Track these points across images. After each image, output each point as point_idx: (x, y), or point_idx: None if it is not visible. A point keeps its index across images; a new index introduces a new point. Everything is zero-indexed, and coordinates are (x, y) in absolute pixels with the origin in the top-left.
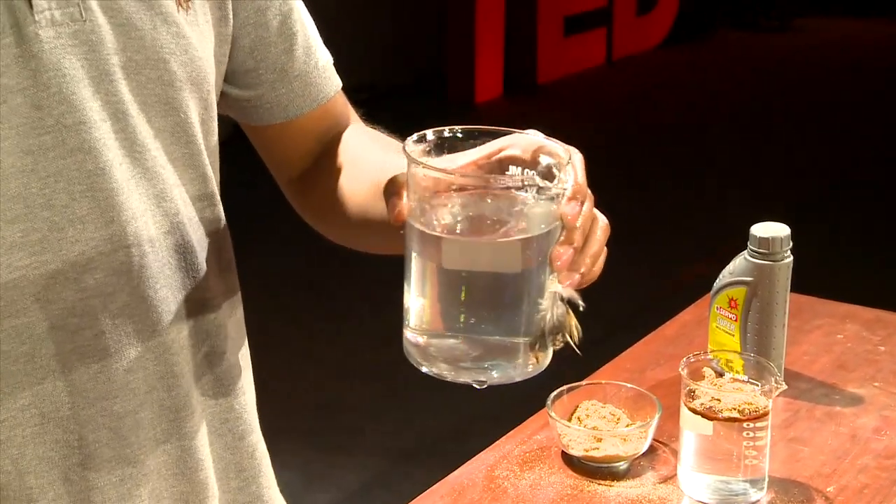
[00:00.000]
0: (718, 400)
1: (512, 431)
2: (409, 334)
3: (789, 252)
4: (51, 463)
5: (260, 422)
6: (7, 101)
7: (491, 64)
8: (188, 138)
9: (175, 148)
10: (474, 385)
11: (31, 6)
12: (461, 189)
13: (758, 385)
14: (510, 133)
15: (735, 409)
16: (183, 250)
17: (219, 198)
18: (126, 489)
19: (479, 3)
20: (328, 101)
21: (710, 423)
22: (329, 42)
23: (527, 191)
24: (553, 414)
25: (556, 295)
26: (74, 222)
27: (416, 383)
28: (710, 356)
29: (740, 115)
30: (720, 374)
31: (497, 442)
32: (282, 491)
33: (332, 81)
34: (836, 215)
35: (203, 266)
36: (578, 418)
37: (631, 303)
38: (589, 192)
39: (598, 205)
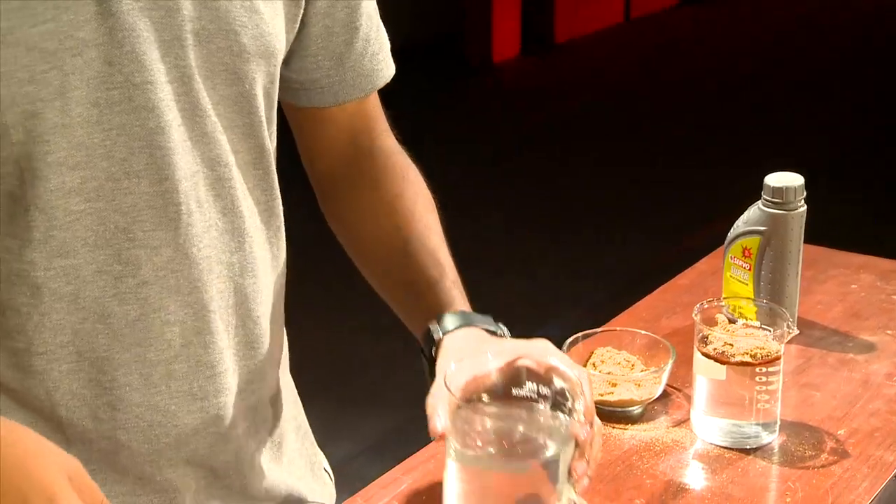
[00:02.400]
0: (731, 345)
1: None
2: None
3: (803, 202)
4: (82, 399)
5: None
6: (82, 54)
7: (508, 23)
8: (250, 109)
9: (236, 117)
10: None
11: None
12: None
13: (770, 330)
14: (525, 345)
15: (747, 353)
16: (231, 214)
17: (274, 167)
18: (154, 434)
19: None
20: (366, 96)
21: (723, 367)
22: None
23: (545, 413)
24: None
25: (570, 501)
26: (130, 175)
27: None
28: (723, 303)
29: (759, 73)
30: (733, 321)
31: None
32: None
33: (383, 73)
34: (855, 168)
35: (250, 232)
36: (594, 364)
37: (648, 261)
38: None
39: (616, 170)
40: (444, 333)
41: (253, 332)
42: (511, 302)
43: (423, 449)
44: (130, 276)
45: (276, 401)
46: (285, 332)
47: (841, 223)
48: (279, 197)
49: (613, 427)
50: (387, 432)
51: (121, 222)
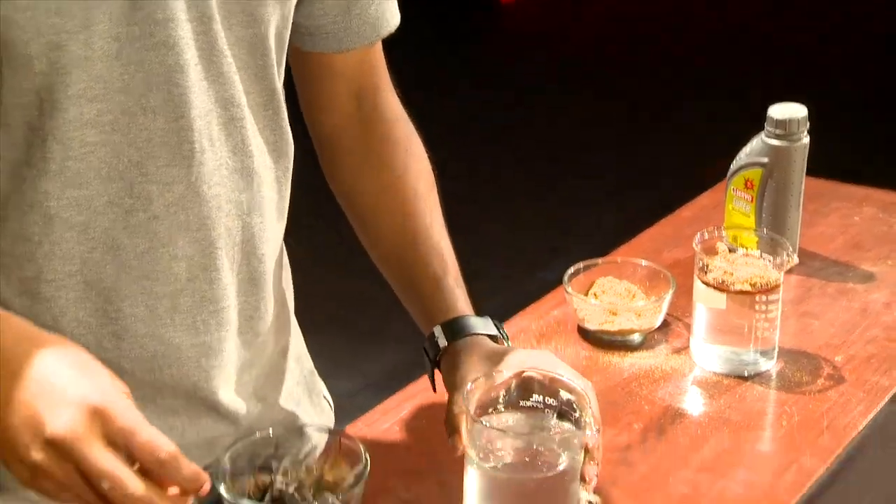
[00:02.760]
0: (731, 274)
1: (529, 307)
2: None
3: (806, 133)
4: (88, 327)
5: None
6: None
7: None
8: (263, 51)
9: (250, 58)
10: None
11: None
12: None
13: (770, 259)
14: (529, 355)
15: (747, 282)
16: (241, 154)
17: (284, 109)
18: (157, 365)
19: None
20: (371, 46)
21: (723, 296)
22: None
23: (555, 424)
24: (569, 289)
25: (584, 500)
26: (147, 111)
27: None
28: (724, 232)
29: (767, 7)
30: (733, 251)
31: (514, 317)
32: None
33: (388, 23)
34: (859, 100)
35: (259, 172)
36: (594, 294)
37: (653, 198)
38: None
39: (620, 106)
40: (448, 343)
41: (257, 269)
42: (515, 241)
43: (424, 377)
44: (141, 210)
45: (277, 335)
46: (289, 270)
47: (844, 156)
48: (289, 139)
49: (613, 355)
50: (388, 369)
51: (135, 157)
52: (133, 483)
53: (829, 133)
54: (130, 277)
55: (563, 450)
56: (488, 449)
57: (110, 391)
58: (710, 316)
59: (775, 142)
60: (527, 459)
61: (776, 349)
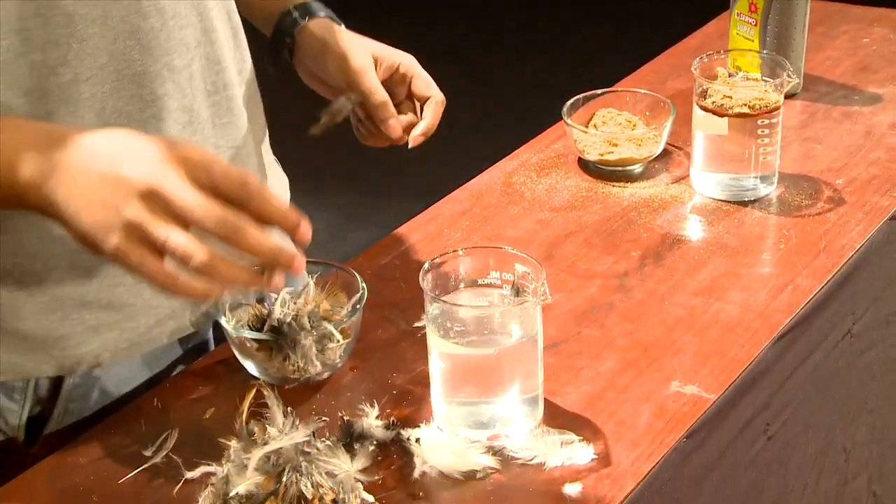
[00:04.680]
0: (730, 97)
1: (530, 141)
2: (440, 407)
3: None
4: (129, 116)
5: (306, 166)
6: None
7: None
8: None
9: None
10: (486, 440)
11: None
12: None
13: (770, 81)
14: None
15: (746, 104)
16: None
17: None
18: (187, 134)
19: None
20: None
21: (723, 121)
22: None
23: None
24: (569, 121)
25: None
26: None
27: (451, 130)
28: (724, 55)
29: None
30: (733, 76)
31: (515, 151)
32: (324, 229)
33: None
34: None
35: None
36: (595, 125)
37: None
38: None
39: None
40: (306, 22)
41: (236, 23)
42: (530, 80)
43: (426, 210)
44: None
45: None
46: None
47: None
48: None
49: (613, 186)
50: (405, 220)
51: None
52: (224, 211)
53: None
54: (153, 57)
55: (519, 319)
56: (448, 327)
57: (181, 144)
58: (710, 143)
59: None
60: (486, 333)
61: (776, 174)
